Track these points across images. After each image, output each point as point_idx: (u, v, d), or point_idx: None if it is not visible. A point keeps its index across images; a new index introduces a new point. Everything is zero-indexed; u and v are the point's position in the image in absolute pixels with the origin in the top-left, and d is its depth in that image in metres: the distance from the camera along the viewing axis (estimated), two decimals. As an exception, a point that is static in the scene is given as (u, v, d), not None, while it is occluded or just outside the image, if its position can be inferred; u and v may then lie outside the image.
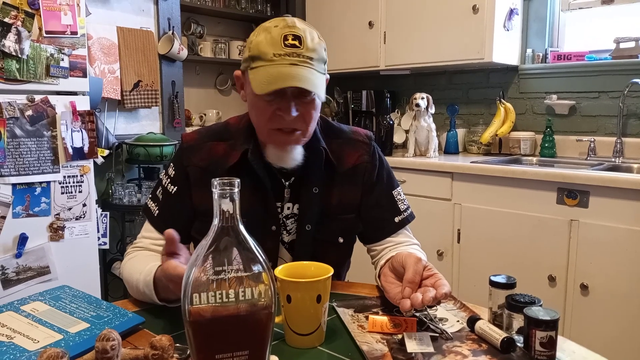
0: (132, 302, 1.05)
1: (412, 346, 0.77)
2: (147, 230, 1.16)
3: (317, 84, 1.00)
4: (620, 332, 1.94)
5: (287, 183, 1.13)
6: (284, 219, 1.14)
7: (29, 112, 1.95)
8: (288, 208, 1.14)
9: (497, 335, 0.82)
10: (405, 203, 1.21)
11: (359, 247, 1.24)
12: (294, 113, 1.01)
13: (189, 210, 1.13)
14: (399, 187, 1.22)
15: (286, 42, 0.98)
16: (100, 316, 0.90)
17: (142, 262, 1.07)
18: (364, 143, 1.20)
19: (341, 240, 1.17)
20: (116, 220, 2.66)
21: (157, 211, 1.15)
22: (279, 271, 0.87)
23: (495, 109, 2.84)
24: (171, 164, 1.17)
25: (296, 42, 0.98)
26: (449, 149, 2.96)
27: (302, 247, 1.13)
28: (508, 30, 2.68)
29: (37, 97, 1.96)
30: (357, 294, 1.08)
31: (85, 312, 0.92)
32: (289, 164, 1.09)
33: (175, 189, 1.14)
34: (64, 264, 2.06)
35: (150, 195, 1.19)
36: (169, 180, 1.15)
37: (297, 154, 1.08)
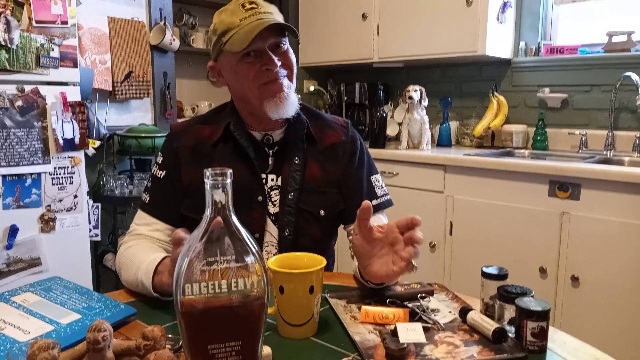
0: (125, 293, 1.04)
1: (404, 336, 0.77)
2: (141, 218, 1.18)
3: (288, 23, 1.10)
4: (610, 324, 1.96)
5: (270, 152, 1.18)
6: (269, 190, 1.18)
7: (19, 103, 1.93)
8: (272, 180, 1.18)
9: (489, 325, 0.83)
10: (383, 189, 1.26)
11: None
12: (279, 63, 1.11)
13: (179, 191, 1.16)
14: (378, 175, 1.28)
15: (245, 7, 1.09)
16: (91, 307, 0.90)
17: (144, 252, 1.08)
18: (342, 126, 1.27)
19: (322, 213, 1.19)
20: (108, 212, 2.65)
21: (148, 198, 1.19)
22: (272, 262, 0.86)
23: (488, 102, 2.85)
24: (160, 153, 1.21)
25: (253, 5, 1.10)
26: (442, 141, 2.96)
27: (285, 217, 1.16)
28: (501, 23, 2.67)
29: (27, 88, 1.94)
30: (349, 285, 1.08)
31: (77, 303, 0.91)
32: (290, 112, 1.14)
33: (163, 174, 1.18)
34: (55, 255, 2.05)
35: (143, 190, 1.23)
36: (157, 167, 1.20)
37: (293, 100, 1.15)
